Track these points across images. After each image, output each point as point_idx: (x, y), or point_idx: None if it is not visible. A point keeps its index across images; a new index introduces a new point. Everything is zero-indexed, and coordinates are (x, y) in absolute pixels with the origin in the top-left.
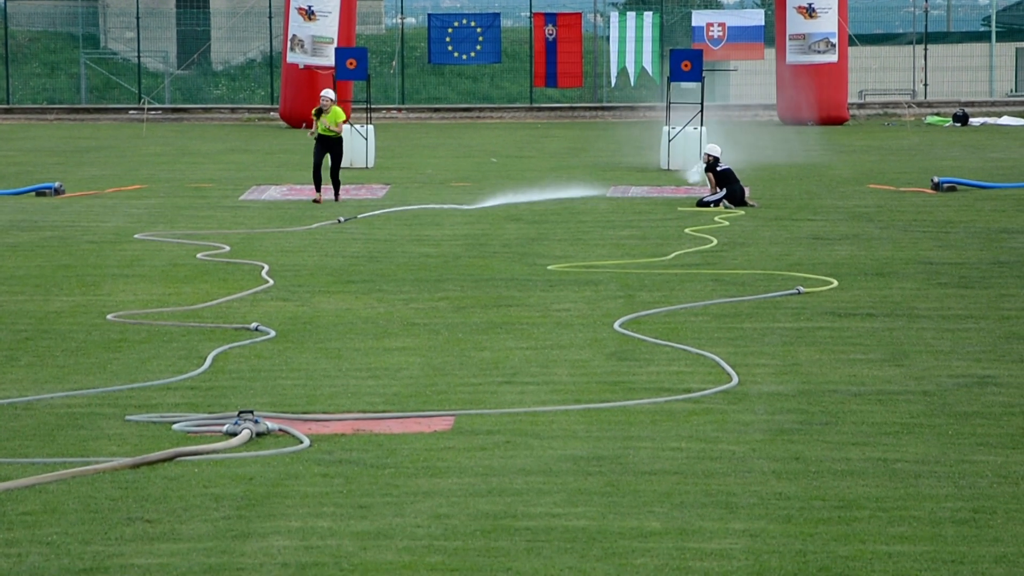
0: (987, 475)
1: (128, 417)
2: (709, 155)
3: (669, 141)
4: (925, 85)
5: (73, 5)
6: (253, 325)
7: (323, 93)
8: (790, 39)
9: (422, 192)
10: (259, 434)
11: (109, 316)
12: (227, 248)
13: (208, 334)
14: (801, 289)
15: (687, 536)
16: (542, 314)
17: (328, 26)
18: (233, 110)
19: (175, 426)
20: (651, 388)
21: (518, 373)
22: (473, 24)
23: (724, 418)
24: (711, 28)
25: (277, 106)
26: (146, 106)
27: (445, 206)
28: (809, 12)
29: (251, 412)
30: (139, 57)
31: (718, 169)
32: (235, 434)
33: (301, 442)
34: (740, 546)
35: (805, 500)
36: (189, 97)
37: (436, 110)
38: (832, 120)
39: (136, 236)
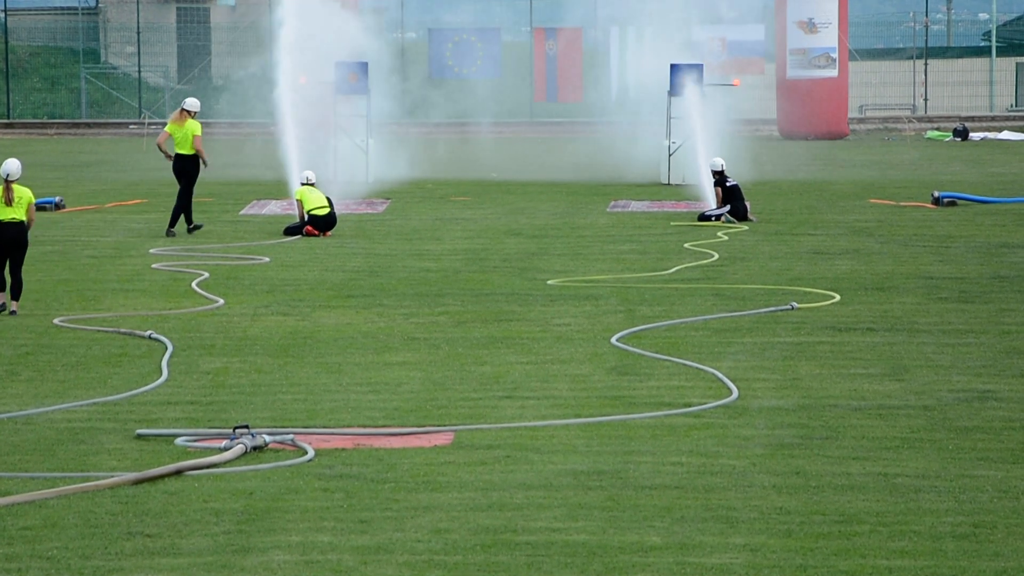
0: (988, 490)
1: (139, 432)
2: (714, 169)
3: (669, 156)
4: (925, 100)
5: (74, 20)
6: (148, 333)
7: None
8: (790, 54)
9: (422, 206)
10: (255, 448)
11: (56, 320)
12: (267, 259)
13: (209, 348)
14: (795, 305)
15: (687, 551)
16: (542, 329)
17: None
18: (233, 124)
19: (177, 440)
20: (651, 402)
21: (518, 388)
22: (473, 39)
23: (724, 433)
24: (711, 43)
25: None
26: (147, 120)
27: None
28: (809, 27)
29: (247, 427)
30: (139, 72)
31: (727, 184)
32: (260, 447)
33: (306, 453)
34: (740, 561)
35: (805, 515)
36: None
37: (436, 124)
38: (832, 135)
39: (154, 267)
